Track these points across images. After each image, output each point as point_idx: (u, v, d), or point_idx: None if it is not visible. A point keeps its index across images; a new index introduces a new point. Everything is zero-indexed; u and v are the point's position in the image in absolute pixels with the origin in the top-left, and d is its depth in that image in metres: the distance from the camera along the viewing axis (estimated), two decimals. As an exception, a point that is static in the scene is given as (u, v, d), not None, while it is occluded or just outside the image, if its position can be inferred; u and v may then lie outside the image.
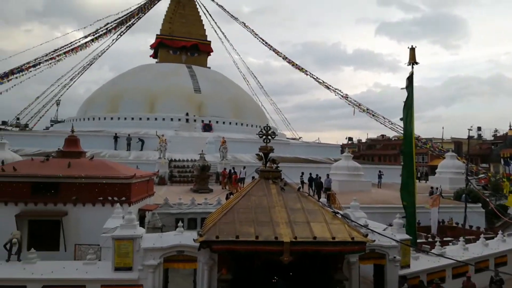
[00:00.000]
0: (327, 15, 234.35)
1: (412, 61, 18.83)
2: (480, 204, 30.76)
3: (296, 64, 60.17)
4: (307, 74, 58.64)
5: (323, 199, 20.93)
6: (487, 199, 31.22)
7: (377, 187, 39.57)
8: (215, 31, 67.67)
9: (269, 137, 14.13)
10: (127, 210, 14.50)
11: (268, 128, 14.62)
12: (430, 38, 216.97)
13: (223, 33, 67.50)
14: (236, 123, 52.94)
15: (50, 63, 54.09)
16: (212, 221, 12.03)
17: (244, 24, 63.92)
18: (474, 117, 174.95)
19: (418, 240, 19.60)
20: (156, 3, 65.35)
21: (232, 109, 54.39)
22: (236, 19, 64.77)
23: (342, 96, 56.10)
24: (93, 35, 58.79)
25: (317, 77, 57.90)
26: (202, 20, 67.06)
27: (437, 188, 32.46)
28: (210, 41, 66.47)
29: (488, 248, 18.35)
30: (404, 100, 19.09)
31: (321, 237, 11.33)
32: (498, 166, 58.92)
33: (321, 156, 48.75)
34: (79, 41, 57.60)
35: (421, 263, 15.76)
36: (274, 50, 62.10)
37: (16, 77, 50.84)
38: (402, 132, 20.36)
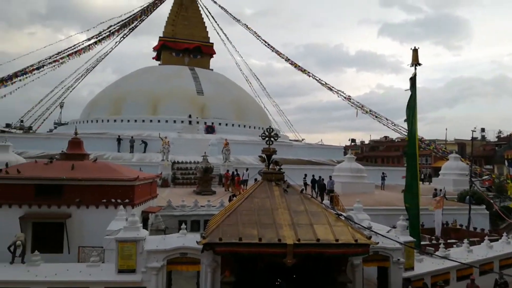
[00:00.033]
0: (330, 16, 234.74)
1: (415, 62, 18.74)
2: (484, 206, 30.58)
3: (299, 66, 60.28)
4: (309, 76, 58.84)
5: (326, 201, 20.85)
6: (491, 201, 31.03)
7: (381, 188, 39.46)
8: (217, 33, 68.03)
9: (272, 139, 14.09)
10: (130, 212, 14.56)
11: (271, 130, 14.55)
12: (432, 39, 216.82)
13: (225, 35, 67.86)
14: (239, 125, 52.97)
15: (54, 66, 54.62)
16: (215, 223, 12.03)
17: (247, 26, 64.19)
18: (478, 118, 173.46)
19: (422, 242, 19.52)
20: (159, 6, 65.66)
21: (234, 111, 54.42)
22: (238, 21, 65.01)
23: (345, 97, 56.28)
24: (96, 38, 59.28)
25: (319, 79, 58.09)
26: (204, 22, 67.25)
27: (440, 190, 32.25)
28: (212, 43, 66.59)
29: (492, 250, 18.23)
30: (407, 101, 19.04)
31: (324, 239, 11.30)
32: (502, 168, 58.66)
33: (324, 158, 48.73)
34: (83, 44, 58.17)
35: (425, 265, 15.66)
36: (277, 52, 62.26)
37: (20, 80, 51.34)
38: (406, 133, 20.32)
